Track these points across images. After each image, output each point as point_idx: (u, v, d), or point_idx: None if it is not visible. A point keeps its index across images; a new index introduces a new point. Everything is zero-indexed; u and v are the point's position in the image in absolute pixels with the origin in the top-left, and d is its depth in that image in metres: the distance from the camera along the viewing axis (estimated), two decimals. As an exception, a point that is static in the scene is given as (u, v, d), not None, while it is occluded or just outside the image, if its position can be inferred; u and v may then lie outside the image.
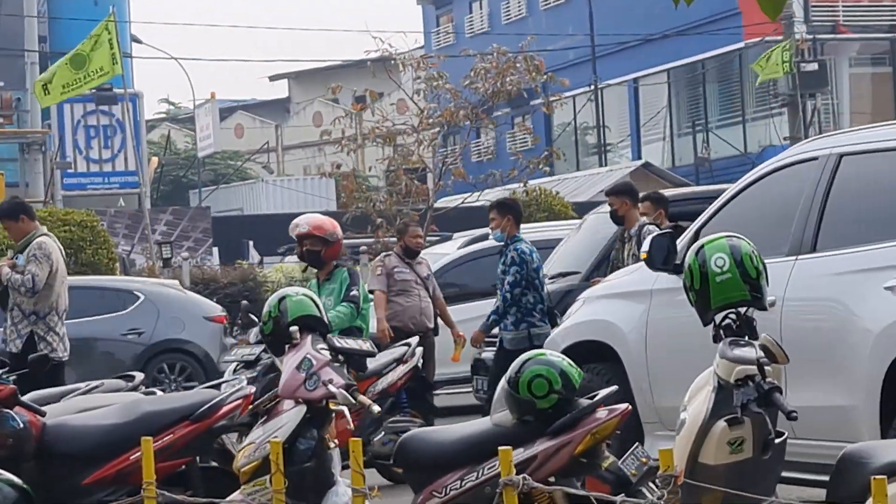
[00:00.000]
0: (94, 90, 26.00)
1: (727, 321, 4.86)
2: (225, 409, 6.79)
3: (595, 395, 5.65)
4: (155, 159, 39.89)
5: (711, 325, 4.96)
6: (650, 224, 11.14)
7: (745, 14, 31.51)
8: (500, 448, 5.01)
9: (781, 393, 4.73)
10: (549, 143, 32.88)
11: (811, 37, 31.95)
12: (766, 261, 5.14)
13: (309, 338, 6.15)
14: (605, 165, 34.99)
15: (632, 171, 30.85)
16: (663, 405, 7.28)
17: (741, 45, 33.34)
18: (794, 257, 6.48)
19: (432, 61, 26.31)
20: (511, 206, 11.61)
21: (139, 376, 8.73)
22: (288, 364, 6.17)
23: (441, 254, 16.07)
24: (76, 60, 22.97)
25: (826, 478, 6.07)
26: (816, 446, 6.07)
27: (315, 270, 9.69)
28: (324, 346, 6.19)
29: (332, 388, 5.90)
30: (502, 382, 5.81)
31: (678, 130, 37.34)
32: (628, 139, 38.46)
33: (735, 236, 5.09)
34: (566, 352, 7.08)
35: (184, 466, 6.82)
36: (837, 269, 6.24)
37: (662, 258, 7.27)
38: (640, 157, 35.36)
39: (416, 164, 25.21)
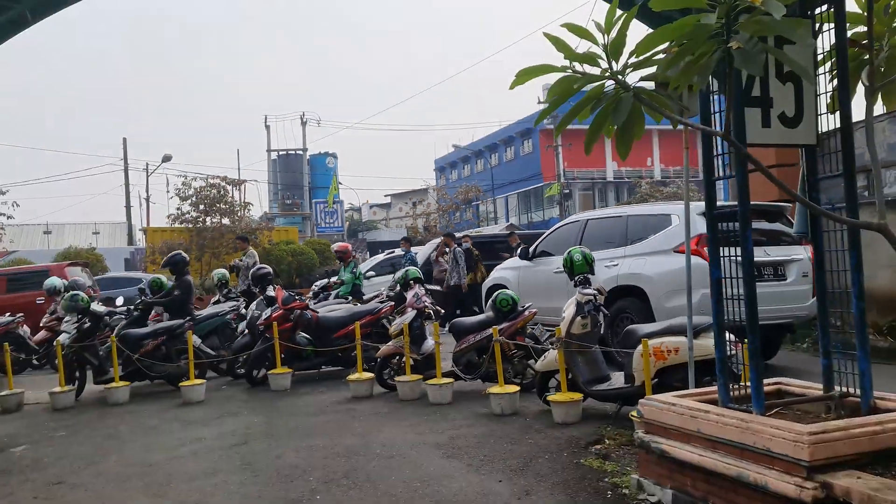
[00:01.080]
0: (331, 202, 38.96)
1: (579, 279, 6.21)
2: (384, 310, 9.04)
3: (526, 306, 7.10)
4: (347, 223, 47.44)
5: (573, 282, 6.28)
6: (458, 248, 13.32)
7: (545, 173, 41.80)
8: (492, 327, 6.86)
9: (604, 306, 6.04)
10: (478, 217, 43.46)
11: (566, 181, 38.70)
12: (562, 257, 6.61)
13: (418, 285, 8.04)
14: (497, 224, 39.16)
15: (506, 225, 34.35)
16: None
17: (542, 184, 41.39)
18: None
19: (442, 188, 41.11)
20: (409, 239, 13.93)
21: (351, 299, 10.33)
22: (409, 295, 7.93)
23: (375, 258, 18.33)
24: (335, 193, 37.45)
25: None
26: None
27: (341, 262, 11.25)
28: (422, 288, 8.07)
29: (426, 303, 7.76)
30: (489, 302, 7.39)
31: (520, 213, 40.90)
32: (504, 215, 44.25)
33: (583, 247, 6.50)
34: (490, 289, 9.94)
35: (369, 331, 8.73)
36: None
37: (525, 255, 9.69)
38: (508, 221, 41.57)
39: (436, 223, 36.64)
